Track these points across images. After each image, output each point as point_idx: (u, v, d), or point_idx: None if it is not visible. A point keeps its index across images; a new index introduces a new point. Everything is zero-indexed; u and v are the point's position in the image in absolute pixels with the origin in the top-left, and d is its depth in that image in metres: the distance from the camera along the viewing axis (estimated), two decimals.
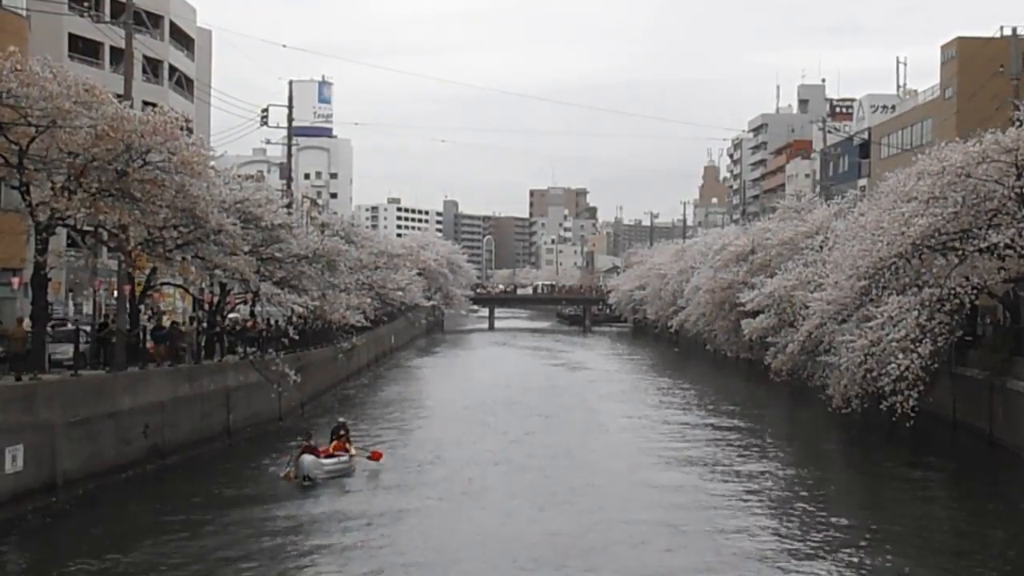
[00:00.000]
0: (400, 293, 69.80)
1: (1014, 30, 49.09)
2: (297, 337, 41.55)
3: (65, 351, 28.24)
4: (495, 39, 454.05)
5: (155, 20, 60.59)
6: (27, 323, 27.89)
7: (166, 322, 36.77)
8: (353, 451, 29.71)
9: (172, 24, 64.63)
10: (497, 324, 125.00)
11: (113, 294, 37.32)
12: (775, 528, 23.19)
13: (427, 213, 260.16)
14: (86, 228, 31.31)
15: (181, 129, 29.20)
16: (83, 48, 54.22)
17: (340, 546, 21.63)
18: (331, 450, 29.22)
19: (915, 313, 32.62)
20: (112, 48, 52.83)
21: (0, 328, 28.82)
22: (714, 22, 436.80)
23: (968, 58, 56.13)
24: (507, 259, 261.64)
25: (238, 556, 20.84)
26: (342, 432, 30.14)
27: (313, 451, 28.13)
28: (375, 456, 29.86)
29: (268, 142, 71.86)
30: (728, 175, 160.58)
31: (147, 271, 36.01)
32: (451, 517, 24.26)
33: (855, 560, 20.66)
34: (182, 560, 20.47)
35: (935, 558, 21.24)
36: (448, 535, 22.54)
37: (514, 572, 20.12)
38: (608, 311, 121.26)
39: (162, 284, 39.99)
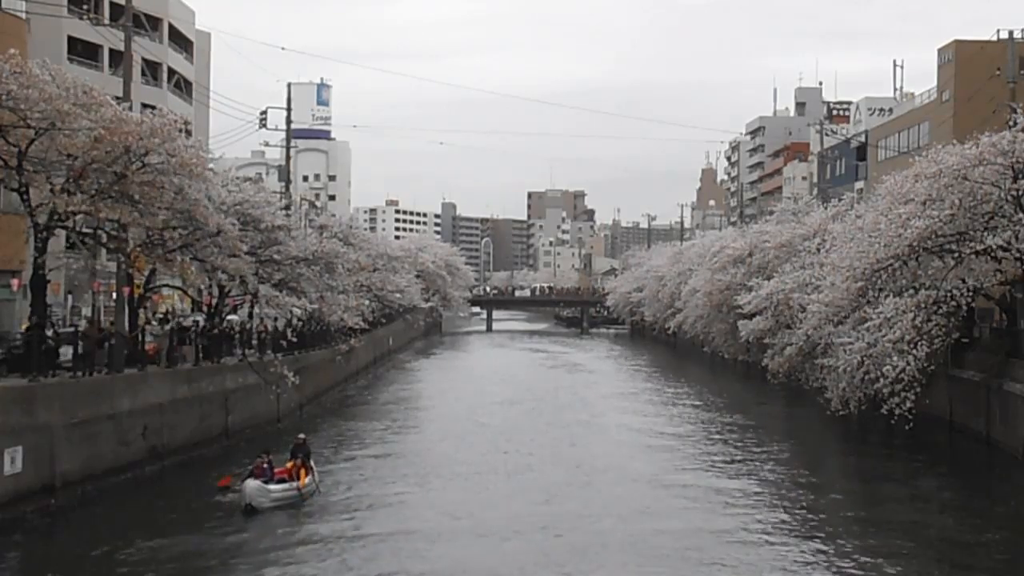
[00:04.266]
0: (398, 295, 69.79)
1: (1011, 33, 49.30)
2: (295, 339, 41.61)
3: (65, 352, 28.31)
4: (493, 43, 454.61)
5: (154, 23, 60.74)
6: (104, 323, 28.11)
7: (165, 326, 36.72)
8: (306, 479, 25.83)
9: (171, 27, 64.67)
10: (495, 326, 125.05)
11: (112, 296, 37.34)
12: (771, 529, 23.26)
13: (425, 215, 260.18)
14: (85, 230, 31.35)
15: (180, 131, 29.26)
16: (82, 50, 54.25)
17: (348, 537, 21.78)
18: (286, 470, 25.70)
19: (912, 315, 32.71)
20: (111, 50, 52.87)
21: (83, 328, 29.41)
22: (712, 26, 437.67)
23: (965, 61, 56.19)
24: (505, 261, 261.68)
25: (237, 556, 20.92)
26: (300, 454, 26.47)
27: (268, 471, 25.03)
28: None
29: (267, 144, 71.49)
30: (726, 178, 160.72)
31: (146, 273, 36.09)
32: (452, 516, 24.36)
33: (852, 562, 20.74)
34: (180, 561, 20.55)
35: (932, 560, 21.32)
36: (449, 533, 22.65)
37: (512, 571, 20.23)
38: (606, 313, 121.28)
39: (161, 286, 40.05)
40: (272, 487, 24.65)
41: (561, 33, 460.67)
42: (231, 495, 25.01)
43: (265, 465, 25.20)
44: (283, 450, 28.37)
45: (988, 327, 37.99)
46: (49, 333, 27.53)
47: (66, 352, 28.13)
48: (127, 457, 27.87)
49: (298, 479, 25.59)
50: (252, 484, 24.13)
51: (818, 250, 45.92)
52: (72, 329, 32.63)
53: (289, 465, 26.01)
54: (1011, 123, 33.57)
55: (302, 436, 27.87)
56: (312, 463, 26.97)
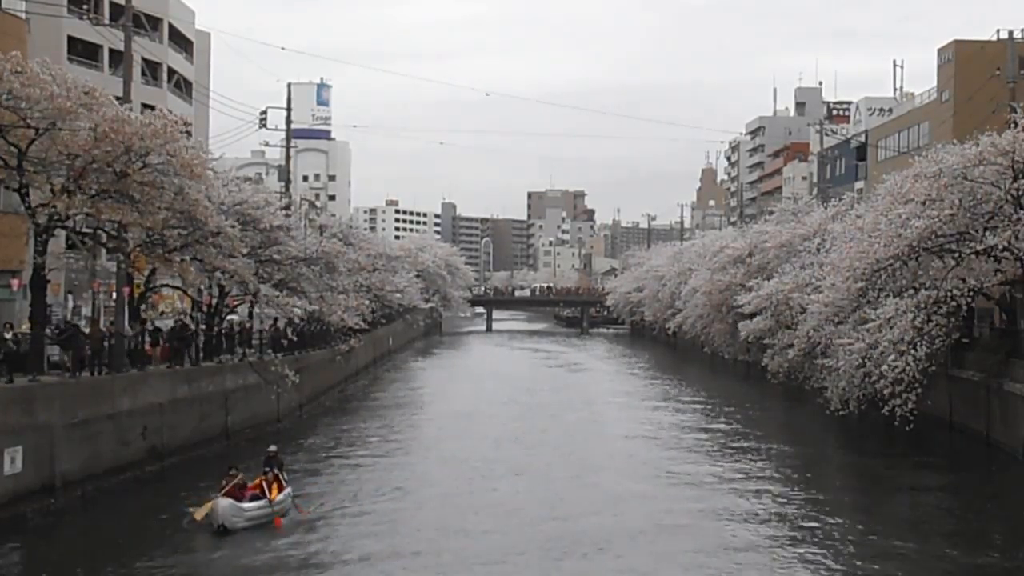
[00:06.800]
0: (398, 295, 69.84)
1: (1010, 33, 49.32)
2: (296, 339, 41.61)
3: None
4: (494, 43, 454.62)
5: (154, 23, 60.77)
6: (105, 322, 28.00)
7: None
8: (278, 495, 23.69)
9: (171, 27, 64.68)
10: (495, 326, 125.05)
11: (112, 296, 37.35)
12: (771, 528, 23.26)
13: (425, 215, 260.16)
14: (85, 230, 31.34)
15: (180, 131, 29.25)
16: (82, 50, 54.24)
17: (362, 534, 21.77)
18: (258, 485, 23.73)
19: (912, 315, 32.70)
20: (111, 50, 52.86)
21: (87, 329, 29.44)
22: (712, 26, 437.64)
23: (965, 61, 56.20)
24: (505, 261, 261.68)
25: (236, 555, 20.90)
26: (273, 467, 24.42)
27: (239, 489, 23.07)
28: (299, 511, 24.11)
29: (267, 144, 71.51)
30: (726, 178, 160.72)
31: (146, 273, 36.10)
32: (453, 514, 24.36)
33: (852, 562, 20.75)
34: (181, 561, 20.54)
35: (933, 560, 21.30)
36: (450, 531, 22.67)
37: (511, 570, 20.24)
38: (606, 313, 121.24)
39: (161, 286, 40.06)
40: (246, 505, 22.76)
41: (561, 34, 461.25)
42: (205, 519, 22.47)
43: (237, 482, 23.24)
44: (287, 450, 28.10)
45: (988, 327, 38.00)
46: (9, 336, 26.22)
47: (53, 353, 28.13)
48: (127, 457, 27.89)
49: (269, 494, 23.55)
50: (224, 503, 22.18)
51: (818, 250, 45.93)
52: (57, 329, 32.45)
53: (258, 480, 23.98)
54: (1011, 123, 33.56)
55: (273, 448, 25.70)
56: (284, 476, 24.93)
